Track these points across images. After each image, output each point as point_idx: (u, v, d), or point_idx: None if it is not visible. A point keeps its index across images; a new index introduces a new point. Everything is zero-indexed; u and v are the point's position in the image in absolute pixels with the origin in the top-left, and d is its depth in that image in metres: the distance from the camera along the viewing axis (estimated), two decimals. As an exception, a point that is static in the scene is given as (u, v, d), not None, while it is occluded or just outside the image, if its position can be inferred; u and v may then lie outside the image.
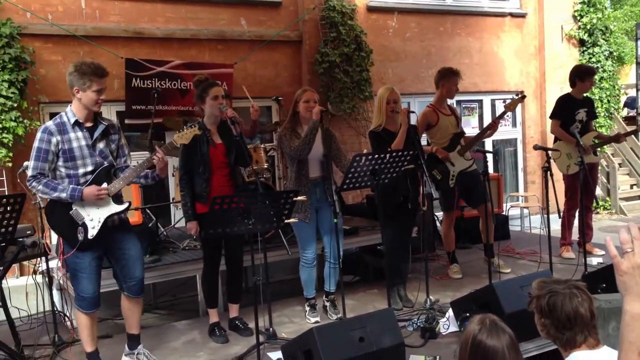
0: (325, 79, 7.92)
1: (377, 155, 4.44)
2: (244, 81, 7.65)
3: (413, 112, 5.15)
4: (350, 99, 8.05)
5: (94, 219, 3.75)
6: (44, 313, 4.90)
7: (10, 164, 6.10)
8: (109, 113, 6.77)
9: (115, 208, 3.80)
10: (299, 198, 4.15)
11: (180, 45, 7.35)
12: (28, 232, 4.65)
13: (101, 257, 3.92)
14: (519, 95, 5.84)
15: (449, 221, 6.05)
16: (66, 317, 5.10)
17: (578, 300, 2.35)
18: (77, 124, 3.75)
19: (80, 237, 3.71)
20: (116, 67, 6.81)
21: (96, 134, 3.80)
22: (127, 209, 3.90)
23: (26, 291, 5.09)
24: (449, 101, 6.19)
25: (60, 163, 3.72)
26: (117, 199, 3.85)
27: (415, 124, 5.31)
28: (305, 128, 4.69)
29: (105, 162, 3.82)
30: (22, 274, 6.23)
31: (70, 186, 3.68)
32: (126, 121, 6.77)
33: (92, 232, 3.73)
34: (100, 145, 3.82)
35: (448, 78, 5.85)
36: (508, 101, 5.87)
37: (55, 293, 5.12)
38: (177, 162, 6.91)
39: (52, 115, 6.82)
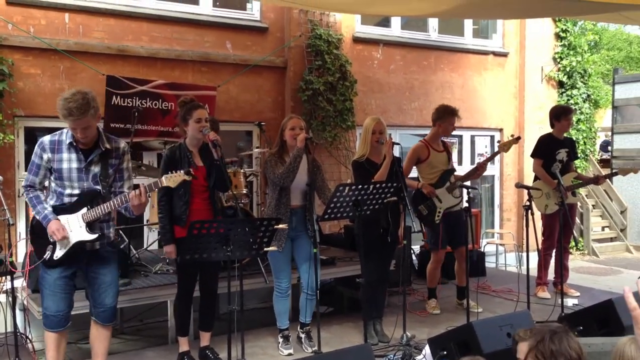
0: (308, 106, 7.89)
1: (360, 186, 4.39)
2: (226, 104, 7.60)
3: (397, 143, 5.13)
4: (332, 127, 8.02)
5: (63, 242, 3.72)
6: (5, 334, 4.70)
7: (-20, 177, 5.89)
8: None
9: (84, 236, 3.75)
10: (281, 226, 4.06)
11: (163, 65, 7.26)
12: (-6, 249, 4.48)
13: (71, 277, 3.85)
14: (514, 137, 5.87)
15: (438, 259, 6.00)
16: (28, 340, 4.89)
17: (574, 340, 2.30)
18: (72, 145, 3.73)
19: (47, 255, 3.73)
20: (97, 84, 6.67)
21: (91, 157, 3.76)
22: (96, 240, 3.80)
23: (-12, 310, 4.89)
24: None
25: (52, 178, 3.78)
26: (91, 227, 3.78)
27: (399, 156, 5.28)
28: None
29: (96, 187, 3.78)
30: (-16, 292, 5.98)
31: (44, 212, 3.73)
32: (104, 139, 6.62)
33: (58, 254, 3.74)
34: (95, 169, 3.79)
35: (445, 118, 5.85)
36: (502, 141, 5.88)
37: (19, 314, 4.92)
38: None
39: (27, 130, 6.66)
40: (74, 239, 3.74)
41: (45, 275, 3.79)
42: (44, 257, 3.73)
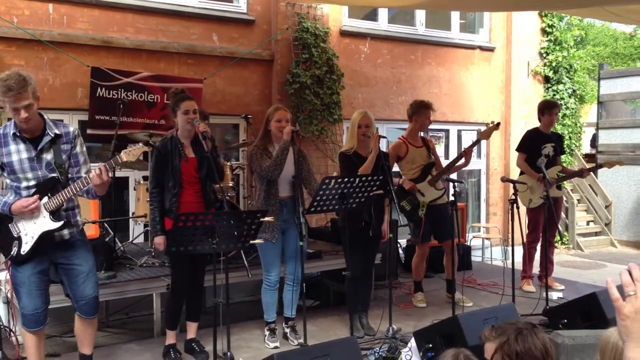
0: (295, 99, 7.87)
1: (346, 179, 4.38)
2: (213, 97, 7.56)
3: (384, 137, 5.13)
4: (319, 121, 8.01)
5: (28, 234, 3.64)
6: (-12, 327, 4.65)
7: (-38, 169, 5.82)
8: (71, 122, 6.55)
9: (49, 225, 3.64)
10: (267, 219, 4.04)
11: (149, 57, 7.20)
12: (-23, 242, 4.41)
13: (45, 272, 3.75)
14: (494, 124, 5.86)
15: (422, 252, 6.03)
16: (12, 333, 4.85)
17: (539, 338, 2.31)
18: (16, 136, 3.61)
19: (14, 251, 3.61)
20: (81, 75, 6.63)
21: (41, 145, 3.64)
22: (61, 228, 3.68)
23: (-30, 304, 4.84)
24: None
25: (5, 174, 3.66)
26: (55, 215, 3.67)
27: (386, 151, 5.28)
28: (277, 147, 4.62)
29: (51, 175, 3.66)
30: (-33, 285, 5.91)
31: (3, 200, 3.61)
32: (88, 131, 6.56)
33: (24, 248, 3.63)
34: (47, 156, 3.67)
35: (420, 112, 5.83)
36: (482, 129, 5.88)
37: (2, 307, 4.87)
38: (138, 176, 6.78)
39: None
40: (39, 230, 3.63)
41: (17, 273, 3.67)
42: (11, 253, 3.61)
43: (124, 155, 3.60)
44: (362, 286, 5.17)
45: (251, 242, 4.03)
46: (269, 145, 4.74)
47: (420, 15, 9.50)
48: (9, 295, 4.96)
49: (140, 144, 3.65)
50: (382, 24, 9.16)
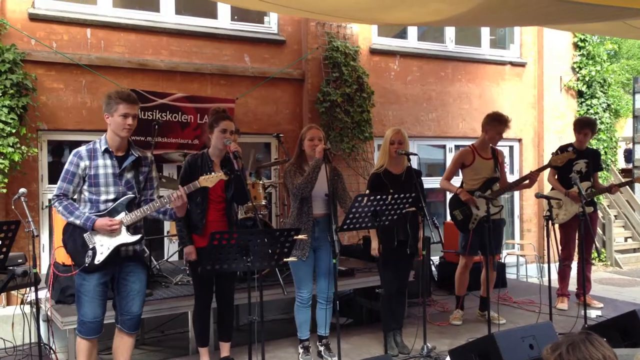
0: (325, 118, 7.93)
1: (378, 197, 4.39)
2: (244, 117, 7.67)
3: (415, 154, 5.13)
4: (350, 139, 8.06)
5: (104, 244, 3.82)
6: (29, 345, 4.76)
7: (4, 190, 6.00)
8: (108, 143, 6.70)
9: (126, 238, 3.86)
10: (300, 236, 4.07)
11: (183, 79, 7.36)
12: (19, 261, 4.55)
13: (107, 283, 3.93)
14: (570, 150, 5.79)
15: (466, 264, 5.94)
16: (51, 350, 4.95)
17: (598, 342, 2.26)
18: (107, 151, 3.86)
19: (88, 260, 3.78)
20: (118, 98, 6.79)
21: (125, 164, 3.88)
22: (139, 240, 3.93)
23: (12, 321, 4.96)
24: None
25: (85, 187, 3.85)
26: (133, 229, 3.89)
27: (418, 169, 5.27)
28: (311, 165, 4.65)
29: (129, 192, 3.89)
30: (9, 304, 6.07)
31: (86, 214, 3.79)
32: (124, 152, 6.70)
33: (99, 258, 3.80)
34: (128, 175, 3.91)
35: (494, 126, 5.71)
36: (555, 156, 5.76)
37: (42, 325, 4.98)
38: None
39: (50, 143, 6.77)
40: (115, 242, 3.82)
41: (84, 282, 3.82)
42: (85, 262, 3.77)
43: (202, 181, 3.87)
44: (396, 303, 5.15)
45: (285, 259, 4.06)
46: (304, 164, 4.79)
47: (449, 32, 9.51)
48: (48, 313, 5.08)
49: (222, 172, 3.94)
50: (412, 41, 9.20)
